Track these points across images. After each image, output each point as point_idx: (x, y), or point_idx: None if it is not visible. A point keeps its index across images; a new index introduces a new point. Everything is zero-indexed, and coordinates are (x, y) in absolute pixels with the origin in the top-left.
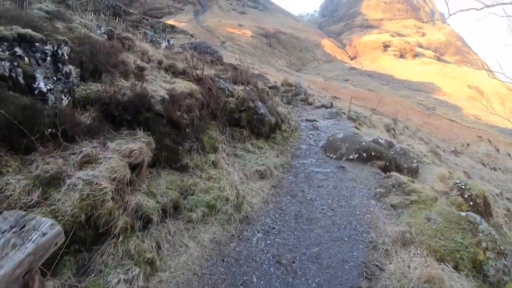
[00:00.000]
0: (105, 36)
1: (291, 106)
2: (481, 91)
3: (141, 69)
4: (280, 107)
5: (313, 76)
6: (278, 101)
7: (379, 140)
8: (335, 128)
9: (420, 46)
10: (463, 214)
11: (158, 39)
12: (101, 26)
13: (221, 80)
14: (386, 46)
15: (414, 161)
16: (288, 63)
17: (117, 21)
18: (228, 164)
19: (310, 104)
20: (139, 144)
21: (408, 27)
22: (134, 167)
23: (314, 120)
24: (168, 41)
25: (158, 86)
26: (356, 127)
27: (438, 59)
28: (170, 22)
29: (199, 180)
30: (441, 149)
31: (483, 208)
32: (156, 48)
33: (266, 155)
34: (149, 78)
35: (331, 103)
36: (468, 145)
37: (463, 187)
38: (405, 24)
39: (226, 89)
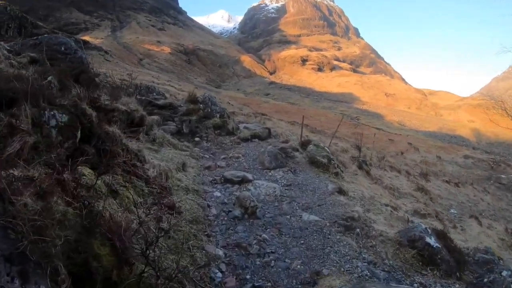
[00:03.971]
0: None
1: (196, 139)
2: (399, 97)
3: None
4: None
5: (233, 92)
6: (163, 135)
7: None
8: (301, 205)
9: (337, 59)
10: None
11: None
12: None
13: None
14: (304, 60)
15: None
16: (207, 79)
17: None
18: None
19: (232, 133)
20: None
21: (324, 42)
22: None
23: (243, 180)
24: None
25: None
26: (340, 191)
27: (354, 70)
28: (86, 38)
29: None
30: (412, 176)
31: None
32: None
33: None
34: None
35: (268, 130)
36: (402, 153)
37: None
38: (321, 39)
39: None
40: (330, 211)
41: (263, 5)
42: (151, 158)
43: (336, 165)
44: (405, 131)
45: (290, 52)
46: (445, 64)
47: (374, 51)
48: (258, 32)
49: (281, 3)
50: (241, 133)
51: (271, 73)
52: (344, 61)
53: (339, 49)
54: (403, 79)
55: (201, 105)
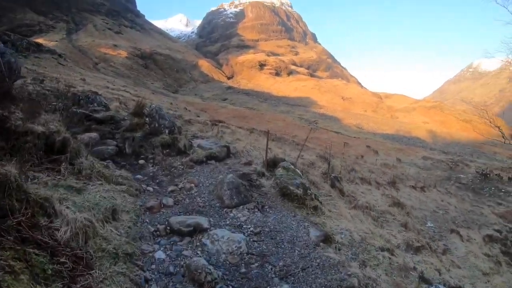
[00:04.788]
0: None
1: (141, 162)
2: (355, 101)
3: None
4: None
5: (191, 97)
6: (91, 165)
7: None
8: (278, 270)
9: (294, 64)
10: None
11: None
12: None
13: None
14: (262, 65)
15: None
16: (164, 84)
17: None
18: None
19: (183, 152)
20: None
21: (282, 47)
22: None
23: (196, 229)
24: None
25: None
26: (326, 238)
27: (311, 75)
28: (40, 40)
29: None
30: (383, 186)
31: None
32: None
33: None
34: None
35: (227, 149)
36: (362, 156)
37: None
38: (279, 44)
39: None
40: (320, 279)
41: (222, 9)
42: (66, 208)
43: (313, 196)
44: (363, 134)
45: (248, 56)
46: (439, 65)
47: (331, 56)
48: (216, 37)
49: (239, 8)
50: (194, 153)
51: (229, 78)
52: (301, 66)
53: (297, 54)
54: (359, 83)
55: (148, 119)
